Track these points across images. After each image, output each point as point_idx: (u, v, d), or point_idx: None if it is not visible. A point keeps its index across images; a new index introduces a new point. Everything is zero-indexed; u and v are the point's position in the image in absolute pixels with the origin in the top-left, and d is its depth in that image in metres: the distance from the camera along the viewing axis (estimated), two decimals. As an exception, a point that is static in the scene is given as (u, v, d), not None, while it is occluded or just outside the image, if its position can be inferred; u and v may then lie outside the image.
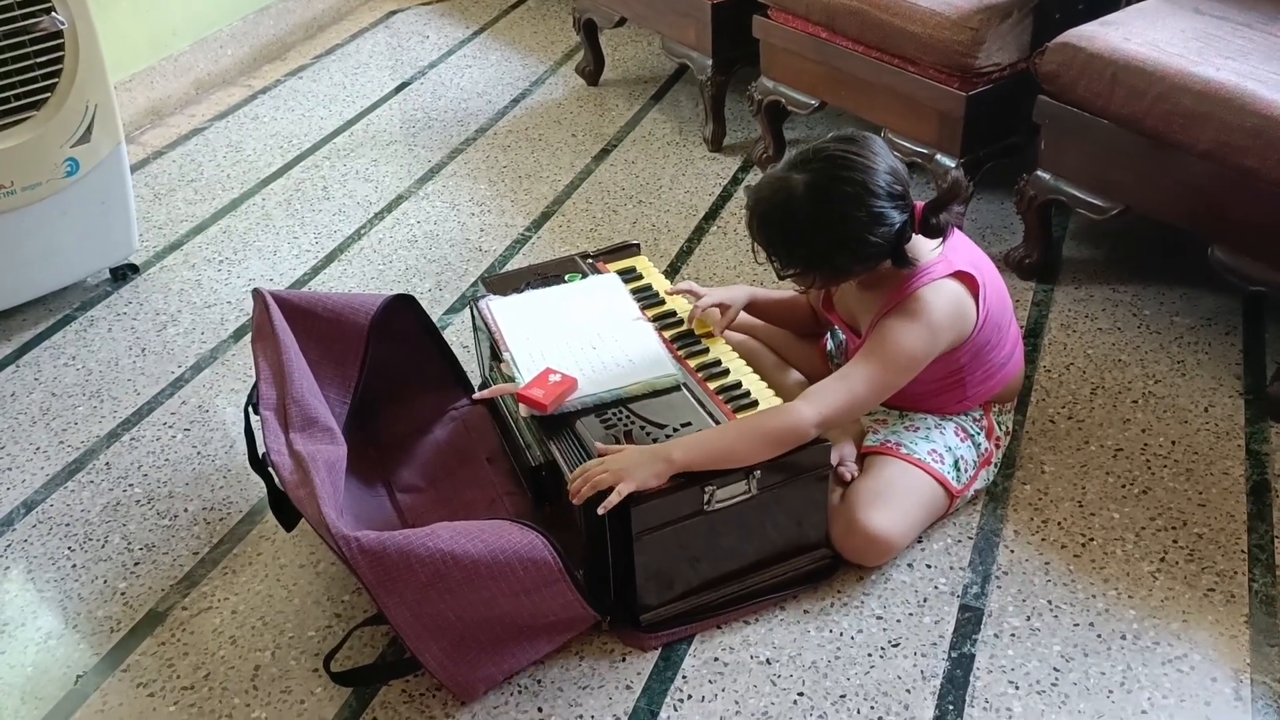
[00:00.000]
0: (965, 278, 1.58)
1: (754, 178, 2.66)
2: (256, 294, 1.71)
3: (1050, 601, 1.56)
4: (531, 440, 1.63)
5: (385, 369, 1.84)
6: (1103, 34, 1.91)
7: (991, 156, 2.20)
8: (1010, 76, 2.11)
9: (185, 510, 1.82)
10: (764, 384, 1.62)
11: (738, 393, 1.60)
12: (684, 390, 1.61)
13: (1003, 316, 1.65)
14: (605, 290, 1.82)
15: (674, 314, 1.77)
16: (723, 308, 1.76)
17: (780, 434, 1.47)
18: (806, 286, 1.64)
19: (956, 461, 1.66)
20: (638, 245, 1.98)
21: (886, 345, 1.54)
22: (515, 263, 2.41)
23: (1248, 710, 1.40)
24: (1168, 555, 1.62)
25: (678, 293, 1.80)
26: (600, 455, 1.48)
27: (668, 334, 1.73)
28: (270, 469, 1.53)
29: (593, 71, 3.14)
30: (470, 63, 3.36)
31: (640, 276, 1.88)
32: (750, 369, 1.66)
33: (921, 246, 1.56)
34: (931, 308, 1.55)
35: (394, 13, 3.74)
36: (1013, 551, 1.64)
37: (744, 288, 1.82)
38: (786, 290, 1.87)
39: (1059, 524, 1.69)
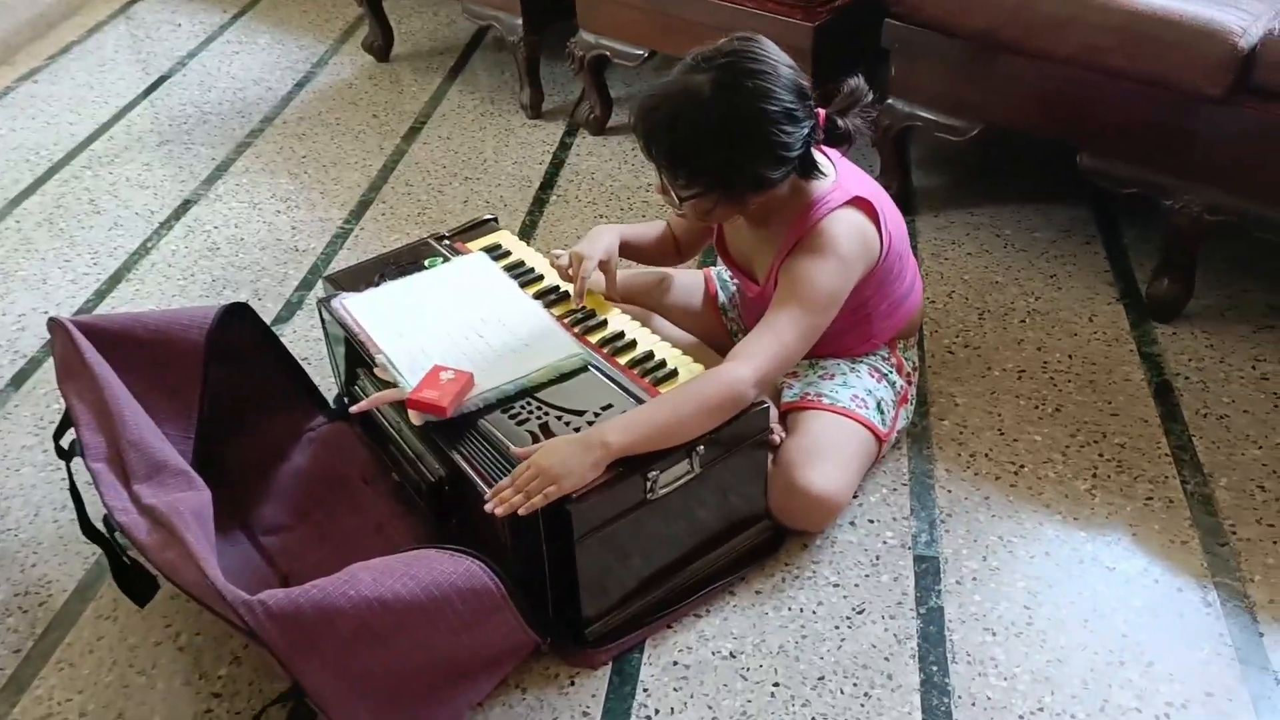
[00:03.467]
0: (864, 204, 1.47)
1: (583, 141, 2.49)
2: (54, 325, 1.40)
3: (1001, 537, 1.49)
4: (423, 450, 1.41)
5: (223, 393, 1.56)
6: (945, -51, 1.85)
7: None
8: (855, 1, 2.03)
9: (-6, 601, 1.48)
10: (677, 351, 1.46)
11: (651, 364, 1.43)
12: (592, 370, 1.42)
13: (903, 244, 1.56)
14: (475, 271, 1.61)
15: (557, 288, 1.59)
16: (602, 265, 1.58)
17: (721, 400, 1.32)
18: (703, 214, 1.48)
19: (879, 404, 1.57)
20: (494, 219, 1.77)
21: (802, 286, 1.41)
22: (341, 259, 2.14)
23: (1218, 616, 1.37)
24: (1098, 470, 1.58)
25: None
26: (519, 458, 1.28)
27: (555, 311, 1.54)
28: (113, 532, 1.24)
29: (382, 46, 2.87)
30: (236, 48, 3.01)
31: (508, 252, 1.68)
32: (656, 336, 1.50)
33: (815, 176, 1.44)
34: (838, 239, 1.43)
35: (132, 2, 3.32)
36: (949, 491, 1.56)
37: (606, 230, 1.62)
38: (648, 222, 1.71)
39: (986, 455, 1.62)
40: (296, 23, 3.14)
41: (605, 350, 1.46)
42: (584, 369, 1.43)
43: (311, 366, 1.84)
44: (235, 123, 2.64)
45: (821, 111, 1.40)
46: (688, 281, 1.78)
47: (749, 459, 1.39)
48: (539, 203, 2.28)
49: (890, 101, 2.03)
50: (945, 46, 1.89)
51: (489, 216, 1.77)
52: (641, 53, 2.29)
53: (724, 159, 1.36)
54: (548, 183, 2.34)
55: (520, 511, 1.22)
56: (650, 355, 1.45)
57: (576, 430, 1.33)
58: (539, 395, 1.39)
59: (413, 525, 1.49)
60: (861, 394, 1.56)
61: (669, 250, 1.72)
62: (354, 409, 1.44)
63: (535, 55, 2.50)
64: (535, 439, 1.32)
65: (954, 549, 1.48)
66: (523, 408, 1.37)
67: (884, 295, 1.55)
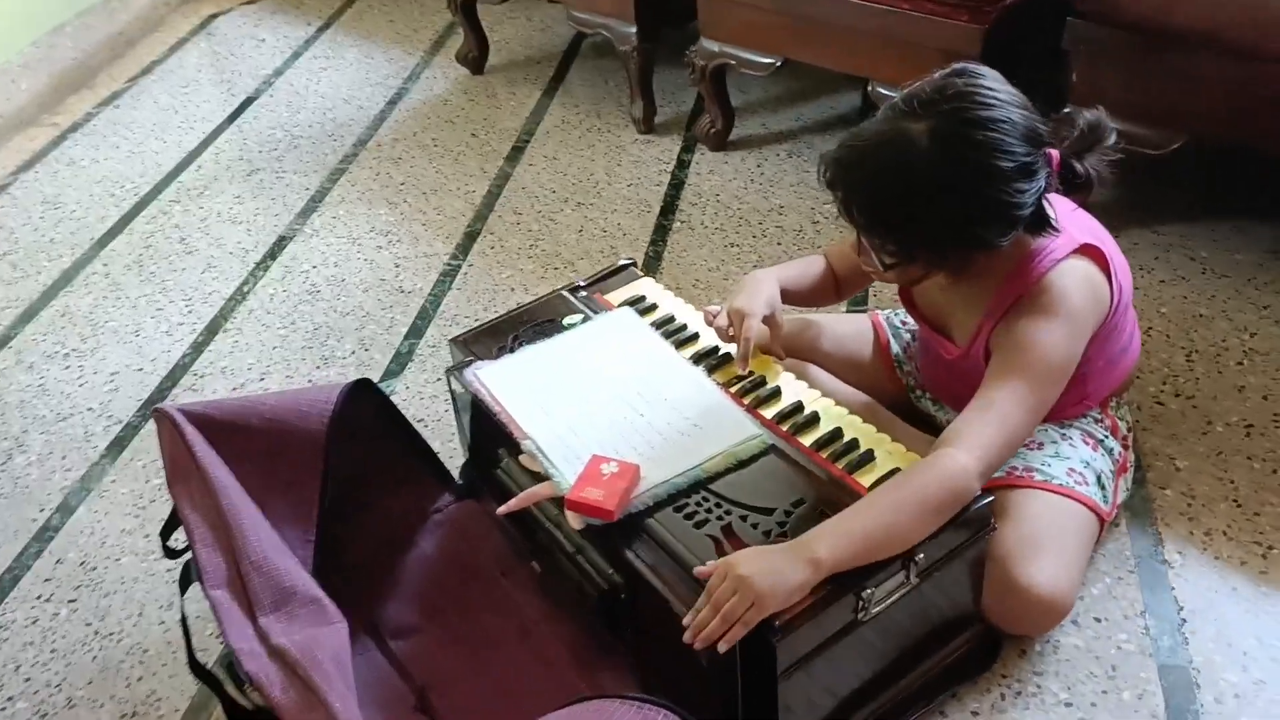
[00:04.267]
0: (1093, 252, 1.24)
1: (702, 158, 2.27)
2: (159, 416, 1.22)
3: (1260, 639, 1.25)
4: (585, 546, 1.21)
5: (341, 475, 1.38)
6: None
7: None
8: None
9: None
10: (870, 428, 1.24)
11: (840, 446, 1.21)
12: (775, 454, 1.21)
13: (1130, 293, 1.32)
14: (622, 331, 1.40)
15: (716, 349, 1.37)
16: (769, 321, 1.37)
17: (943, 499, 1.10)
18: (911, 280, 1.26)
19: (1099, 477, 1.33)
20: (633, 262, 1.56)
21: (1029, 354, 1.18)
22: (451, 301, 1.95)
23: None
24: (1367, 552, 1.34)
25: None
26: (704, 575, 1.07)
27: (718, 378, 1.33)
28: (240, 678, 1.06)
29: (477, 58, 2.68)
30: (324, 64, 2.84)
31: (654, 305, 1.47)
32: (843, 410, 1.28)
33: (1046, 233, 1.21)
34: (1068, 295, 1.20)
35: (214, 16, 3.17)
36: (1187, 580, 1.33)
37: (764, 278, 1.39)
38: (804, 259, 1.48)
39: (1223, 533, 1.38)
40: (384, 34, 2.97)
41: (785, 428, 1.25)
42: (766, 452, 1.22)
43: (428, 430, 1.66)
44: (327, 147, 2.47)
45: (1055, 154, 1.17)
46: (852, 327, 1.56)
47: (967, 561, 1.17)
48: (661, 230, 2.07)
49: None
50: (1145, 49, 1.64)
51: (626, 260, 1.56)
52: (772, 61, 2.06)
53: (944, 225, 1.13)
54: (668, 207, 2.13)
55: (720, 646, 1.01)
56: (839, 433, 1.24)
57: (766, 533, 1.12)
58: (712, 487, 1.18)
59: (562, 630, 1.29)
60: (1079, 467, 1.32)
61: (829, 290, 1.50)
62: (502, 510, 1.25)
63: (649, 65, 2.29)
64: (718, 544, 1.11)
65: (1205, 656, 1.24)
66: (698, 505, 1.16)
67: (1103, 352, 1.32)
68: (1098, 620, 1.29)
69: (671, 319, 1.44)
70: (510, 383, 1.33)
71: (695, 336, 1.41)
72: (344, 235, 2.17)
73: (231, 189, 2.36)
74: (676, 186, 2.20)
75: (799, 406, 1.28)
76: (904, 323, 1.57)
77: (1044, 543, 1.25)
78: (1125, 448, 1.41)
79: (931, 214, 1.13)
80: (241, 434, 1.24)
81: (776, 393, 1.30)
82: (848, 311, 1.73)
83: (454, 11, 2.61)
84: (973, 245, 1.16)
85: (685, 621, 1.05)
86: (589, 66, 2.69)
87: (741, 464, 1.20)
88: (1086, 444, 1.35)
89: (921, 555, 1.09)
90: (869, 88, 1.94)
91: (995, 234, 1.15)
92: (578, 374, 1.33)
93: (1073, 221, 1.25)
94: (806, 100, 2.44)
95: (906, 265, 1.19)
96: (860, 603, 1.07)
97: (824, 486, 1.17)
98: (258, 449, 1.24)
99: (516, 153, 2.37)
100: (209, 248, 2.18)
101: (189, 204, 2.32)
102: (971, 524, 1.13)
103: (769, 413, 1.27)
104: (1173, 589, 1.32)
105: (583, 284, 1.52)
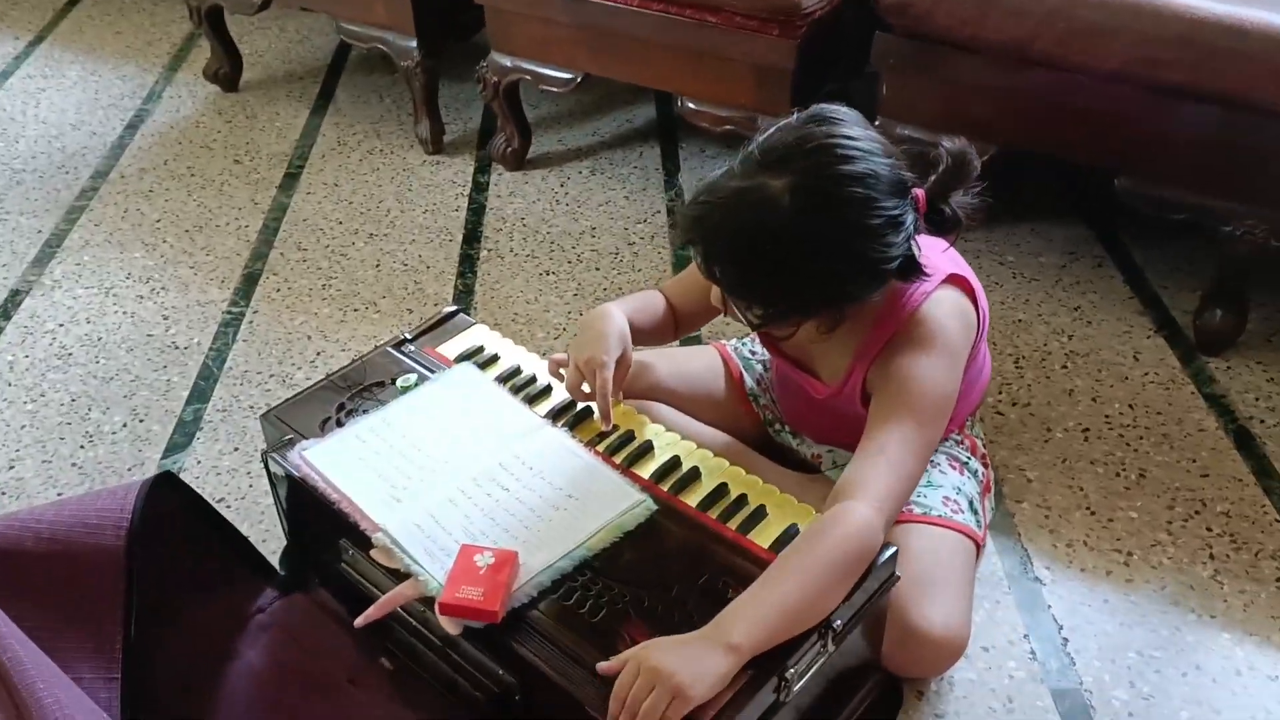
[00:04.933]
0: (959, 281, 1.21)
1: (500, 178, 2.13)
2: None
3: (1140, 652, 1.26)
4: (455, 640, 1.05)
5: (146, 588, 1.16)
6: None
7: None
8: (833, 9, 1.75)
9: None
10: (756, 480, 1.16)
11: (727, 503, 1.12)
12: (661, 521, 1.10)
13: (988, 317, 1.30)
14: (468, 391, 1.25)
15: (572, 404, 1.24)
16: (620, 361, 1.24)
17: (853, 559, 1.02)
18: (781, 336, 1.19)
19: (970, 502, 1.31)
20: (461, 310, 1.41)
21: (912, 394, 1.13)
22: (238, 354, 1.71)
23: None
24: (1213, 549, 1.38)
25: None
26: (610, 671, 0.95)
27: (580, 436, 1.20)
28: None
29: (229, 73, 2.41)
30: (41, 84, 2.48)
31: (495, 356, 1.32)
32: (720, 459, 1.19)
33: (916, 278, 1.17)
34: (945, 328, 1.16)
35: (-107, 30, 2.71)
36: (1060, 597, 1.32)
37: (610, 316, 1.26)
38: (641, 294, 1.37)
39: (1084, 543, 1.39)
40: (111, 47, 2.62)
41: (665, 488, 1.14)
42: (651, 521, 1.10)
43: (233, 512, 1.44)
44: (58, 181, 2.14)
45: (920, 194, 1.12)
46: (699, 362, 1.47)
47: (874, 615, 1.11)
48: (468, 260, 1.91)
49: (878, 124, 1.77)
50: (954, 61, 1.64)
51: (453, 308, 1.40)
52: (572, 76, 1.95)
53: (811, 285, 1.06)
54: (472, 234, 1.98)
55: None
56: (724, 489, 1.14)
57: (668, 614, 1.00)
58: (602, 567, 1.06)
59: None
60: (952, 494, 1.29)
61: (668, 329, 1.40)
62: (360, 622, 1.06)
63: (434, 82, 2.12)
64: (616, 634, 0.99)
65: (1093, 675, 1.24)
66: (587, 590, 1.03)
67: (965, 376, 1.29)
68: (985, 650, 1.27)
69: (518, 371, 1.30)
70: (347, 464, 1.15)
71: (548, 390, 1.27)
72: (93, 285, 1.87)
73: (-59, 237, 1.99)
74: (477, 211, 2.04)
75: (676, 462, 1.17)
76: (754, 353, 1.50)
77: (934, 580, 1.20)
78: (986, 466, 1.39)
79: (798, 275, 1.05)
80: (13, 562, 1.00)
81: (648, 448, 1.19)
82: (682, 344, 1.65)
83: (197, 23, 2.33)
84: (843, 301, 1.10)
85: (605, 726, 0.92)
86: (359, 82, 2.48)
87: (628, 535, 1.08)
88: (954, 469, 1.32)
89: (838, 621, 1.01)
90: (679, 103, 1.86)
91: (865, 289, 1.09)
92: (425, 448, 1.17)
93: (934, 250, 1.21)
94: (601, 113, 2.34)
95: (775, 323, 1.11)
96: (782, 683, 0.98)
97: (721, 553, 1.07)
98: (38, 580, 1.00)
99: (290, 180, 2.14)
100: (-80, 310, 1.82)
101: (-114, 257, 1.94)
102: (879, 576, 1.07)
103: (644, 471, 1.16)
104: (1049, 607, 1.31)
105: (409, 336, 1.35)
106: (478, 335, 1.36)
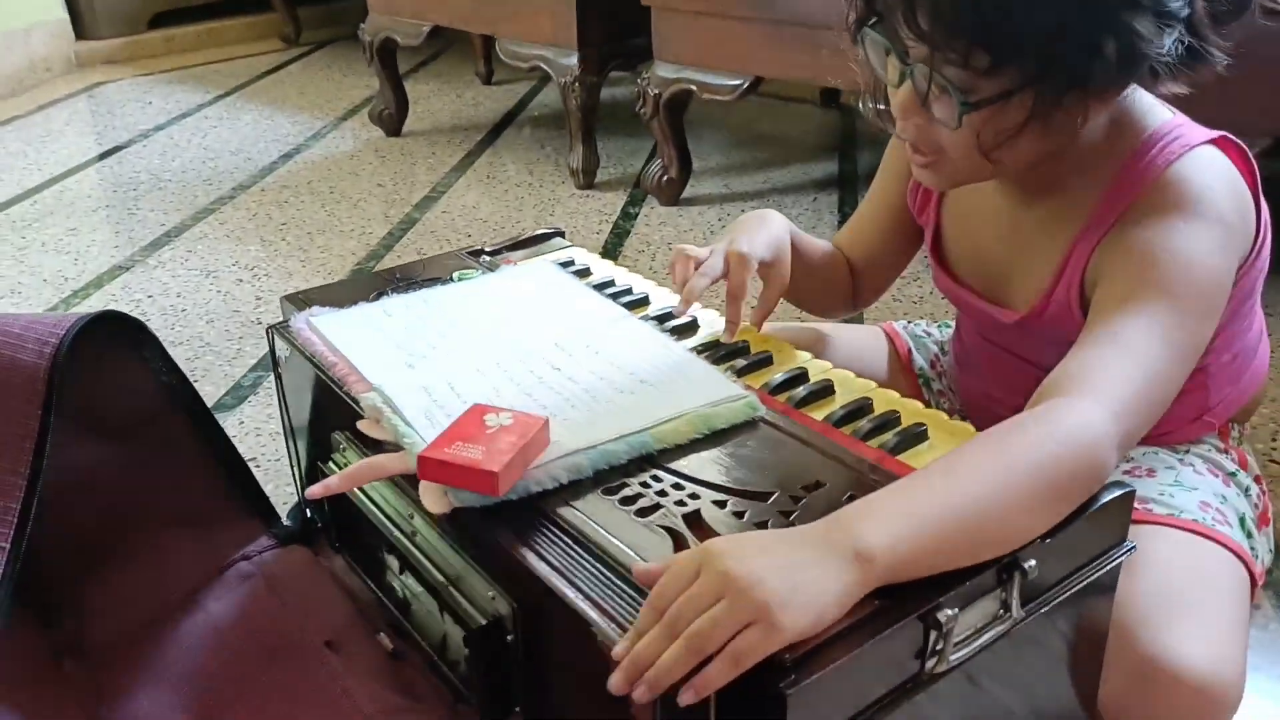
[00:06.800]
0: (1233, 148, 0.83)
1: (652, 211, 1.89)
2: None
3: None
4: (445, 558, 0.72)
5: (95, 491, 0.89)
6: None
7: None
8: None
9: None
10: (915, 402, 0.80)
11: (869, 421, 0.76)
12: (770, 429, 0.75)
13: (1269, 245, 0.91)
14: (539, 282, 0.96)
15: (692, 322, 0.92)
16: (770, 269, 0.91)
17: (1072, 469, 0.64)
18: (995, 143, 0.81)
19: (1243, 520, 0.89)
20: (560, 232, 1.13)
21: (1165, 267, 0.75)
22: (320, 333, 1.49)
23: None
24: None
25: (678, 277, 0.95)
26: (651, 576, 0.59)
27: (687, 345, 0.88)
28: None
29: (393, 115, 2.33)
30: (215, 123, 2.47)
31: (587, 269, 1.03)
32: (868, 381, 0.83)
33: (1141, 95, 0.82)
34: (1209, 190, 0.78)
35: (101, 84, 2.81)
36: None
37: (772, 216, 0.94)
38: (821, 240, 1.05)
39: None
40: (293, 103, 2.62)
41: (783, 400, 0.79)
42: (754, 425, 0.75)
43: (261, 472, 1.17)
44: (199, 190, 2.06)
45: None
46: (860, 339, 1.12)
47: (1096, 600, 0.70)
48: (600, 273, 1.65)
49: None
50: None
51: (550, 229, 1.13)
52: (740, 82, 1.72)
53: (1053, 32, 0.72)
54: (608, 252, 1.73)
55: (681, 697, 0.53)
56: (866, 406, 0.78)
57: (760, 525, 0.64)
58: (674, 465, 0.71)
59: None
60: (1213, 501, 0.88)
61: (839, 280, 1.06)
62: (312, 491, 0.74)
63: (594, 103, 1.94)
64: (677, 539, 0.64)
65: None
66: (645, 486, 0.69)
67: (1229, 343, 0.89)
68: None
69: (611, 282, 1.00)
70: (360, 331, 0.86)
71: (645, 300, 0.97)
72: (197, 268, 1.71)
73: (67, 223, 1.91)
74: (619, 235, 1.80)
75: (802, 374, 0.83)
76: (927, 332, 1.15)
77: (1190, 601, 0.78)
78: (1264, 491, 0.97)
79: (1052, 5, 0.72)
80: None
81: (766, 360, 0.86)
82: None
83: (369, 59, 2.27)
84: (1082, 71, 0.74)
85: (616, 653, 0.56)
86: (523, 137, 2.35)
87: (718, 435, 0.74)
88: (1215, 475, 0.91)
89: (1033, 563, 0.62)
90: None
91: (1108, 65, 0.74)
92: (465, 323, 0.87)
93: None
94: (775, 166, 2.10)
95: (1002, 107, 0.76)
96: (933, 636, 0.59)
97: (852, 469, 0.71)
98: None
99: (429, 201, 1.97)
100: (18, 275, 1.70)
101: (8, 235, 1.86)
102: (1108, 524, 0.67)
103: (757, 382, 0.82)
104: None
105: (487, 249, 1.09)
106: (573, 254, 1.08)
